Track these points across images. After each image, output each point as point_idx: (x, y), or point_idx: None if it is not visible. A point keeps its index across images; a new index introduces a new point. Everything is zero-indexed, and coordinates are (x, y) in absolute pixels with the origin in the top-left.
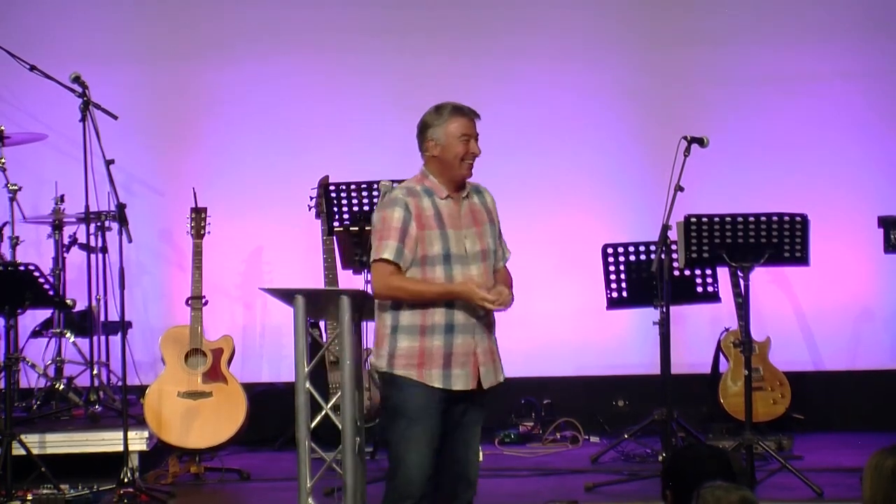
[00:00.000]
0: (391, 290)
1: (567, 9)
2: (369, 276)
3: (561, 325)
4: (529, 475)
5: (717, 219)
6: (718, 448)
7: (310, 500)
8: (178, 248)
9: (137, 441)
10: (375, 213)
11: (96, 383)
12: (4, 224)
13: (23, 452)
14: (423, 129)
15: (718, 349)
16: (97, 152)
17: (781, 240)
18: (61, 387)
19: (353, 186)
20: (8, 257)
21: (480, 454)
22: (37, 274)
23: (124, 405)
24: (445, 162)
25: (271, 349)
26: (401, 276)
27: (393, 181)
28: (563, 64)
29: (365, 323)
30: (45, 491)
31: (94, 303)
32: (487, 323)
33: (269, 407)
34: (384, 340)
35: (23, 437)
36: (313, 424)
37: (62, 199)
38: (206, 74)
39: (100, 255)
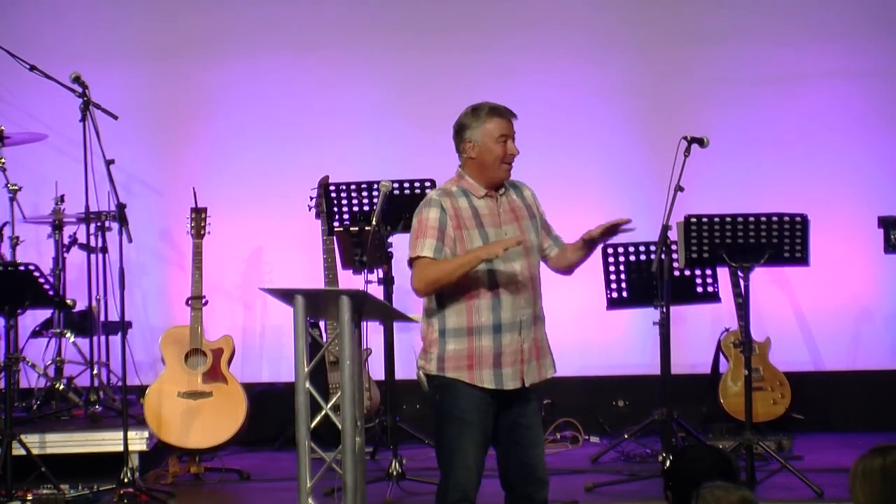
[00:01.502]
0: (426, 280)
1: (568, 8)
2: (369, 276)
3: (561, 325)
4: None
5: (717, 219)
6: (719, 448)
7: (310, 500)
8: (178, 248)
9: (137, 441)
10: (413, 219)
11: (96, 383)
12: (4, 224)
13: (23, 452)
14: (460, 130)
15: (718, 349)
16: (97, 152)
17: (781, 240)
18: (61, 387)
19: (353, 187)
20: (8, 257)
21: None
22: (37, 274)
23: (124, 405)
24: (484, 164)
25: (271, 349)
26: (432, 264)
27: (393, 181)
28: (564, 63)
29: (365, 323)
30: (45, 491)
31: (94, 303)
32: (533, 318)
33: (268, 407)
34: (433, 344)
35: (23, 437)
36: (313, 424)
37: (62, 199)
38: (207, 74)
39: (100, 255)
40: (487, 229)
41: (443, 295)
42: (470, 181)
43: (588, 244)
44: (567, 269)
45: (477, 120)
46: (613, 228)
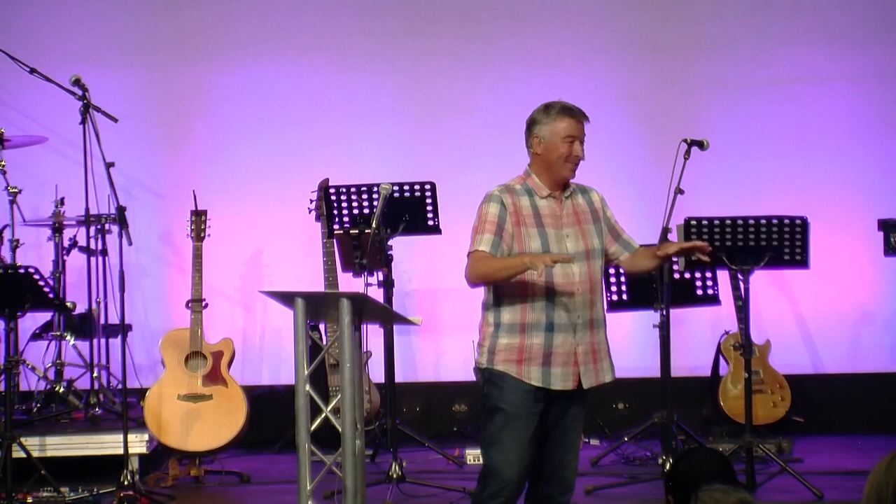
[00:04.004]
0: (476, 273)
1: (567, 12)
2: (369, 278)
3: None
4: None
5: (716, 221)
6: (720, 451)
7: (310, 502)
8: (179, 251)
9: (137, 444)
10: (475, 215)
11: (96, 386)
12: (5, 227)
13: (23, 455)
14: (530, 125)
15: (718, 352)
16: (97, 155)
17: (781, 242)
18: (61, 389)
19: (353, 189)
20: (8, 260)
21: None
22: (37, 277)
23: (124, 408)
24: (548, 161)
25: (271, 352)
26: (485, 259)
27: (393, 184)
28: (564, 67)
29: (365, 325)
30: (45, 494)
31: (94, 305)
32: (590, 321)
33: (268, 410)
34: (487, 338)
35: (23, 439)
36: (313, 427)
37: (62, 201)
38: (207, 77)
39: (100, 258)
40: (547, 229)
41: (500, 290)
42: (535, 180)
43: (661, 258)
44: (640, 274)
45: (548, 117)
46: (689, 251)
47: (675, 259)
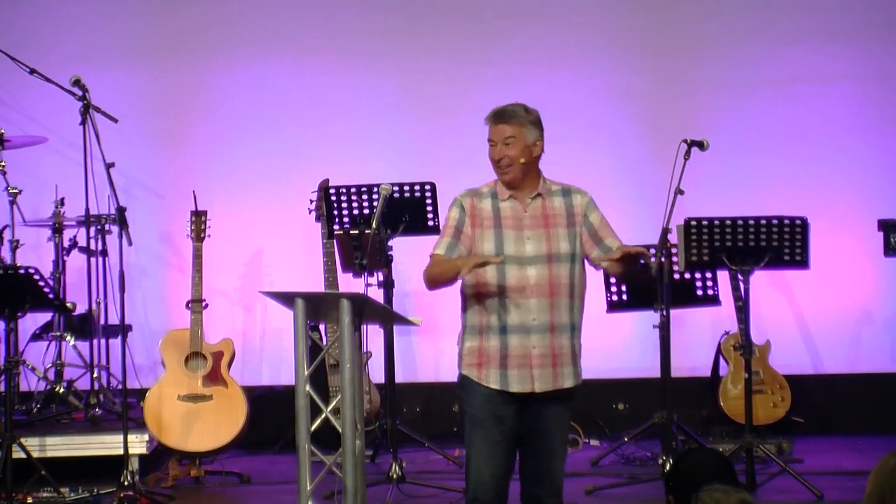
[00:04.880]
0: (427, 275)
1: (569, 12)
2: (369, 279)
3: None
4: None
5: (716, 222)
6: (720, 452)
7: (310, 502)
8: (179, 252)
9: (137, 444)
10: None
11: (96, 386)
12: (5, 227)
13: (23, 455)
14: None
15: (718, 352)
16: (97, 155)
17: (781, 243)
18: (61, 390)
19: (353, 190)
20: (8, 260)
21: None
22: (37, 277)
23: (124, 408)
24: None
25: (271, 352)
26: (435, 262)
27: (393, 184)
28: (565, 67)
29: (365, 326)
30: (45, 494)
31: (94, 306)
32: (550, 325)
33: (268, 410)
34: (458, 341)
35: (23, 440)
36: (313, 427)
37: (62, 202)
38: (207, 77)
39: (100, 259)
40: (505, 230)
41: (464, 295)
42: (500, 184)
43: (614, 265)
44: (619, 278)
45: None
46: (632, 257)
47: (675, 259)
